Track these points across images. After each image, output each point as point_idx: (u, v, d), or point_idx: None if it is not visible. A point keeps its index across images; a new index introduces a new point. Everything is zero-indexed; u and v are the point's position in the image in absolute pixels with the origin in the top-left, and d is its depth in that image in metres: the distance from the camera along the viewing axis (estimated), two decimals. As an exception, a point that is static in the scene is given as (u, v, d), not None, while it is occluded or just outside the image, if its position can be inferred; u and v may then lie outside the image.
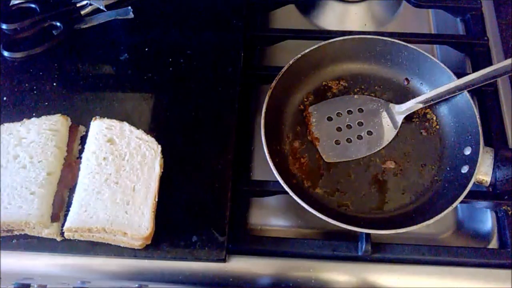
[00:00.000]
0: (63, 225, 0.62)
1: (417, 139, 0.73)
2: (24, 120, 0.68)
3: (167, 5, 0.83)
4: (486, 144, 0.67)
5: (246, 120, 0.75)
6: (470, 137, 0.68)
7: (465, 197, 0.62)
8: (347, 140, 0.72)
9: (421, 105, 0.72)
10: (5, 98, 0.73)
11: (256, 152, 0.74)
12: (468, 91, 0.69)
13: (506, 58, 0.78)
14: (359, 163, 0.71)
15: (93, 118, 0.69)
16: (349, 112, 0.75)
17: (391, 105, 0.74)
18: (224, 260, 0.63)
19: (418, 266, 0.64)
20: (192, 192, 0.66)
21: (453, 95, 0.70)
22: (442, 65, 0.72)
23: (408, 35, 0.81)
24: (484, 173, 0.65)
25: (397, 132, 0.73)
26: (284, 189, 0.63)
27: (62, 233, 0.62)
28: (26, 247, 0.63)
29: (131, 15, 0.79)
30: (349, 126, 0.73)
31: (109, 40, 0.79)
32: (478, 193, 0.68)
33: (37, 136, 0.66)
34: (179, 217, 0.65)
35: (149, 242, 0.62)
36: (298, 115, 0.75)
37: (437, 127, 0.73)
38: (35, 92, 0.74)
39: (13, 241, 0.63)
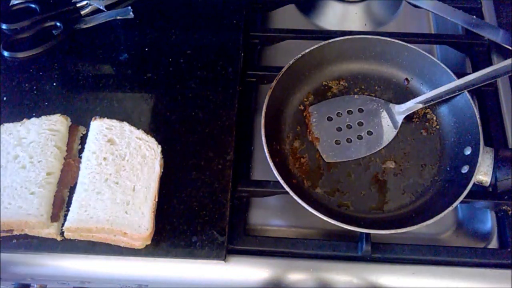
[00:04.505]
0: (63, 225, 0.62)
1: (417, 139, 0.73)
2: (24, 120, 0.68)
3: (167, 5, 0.83)
4: (486, 144, 0.67)
5: (246, 120, 0.75)
6: (470, 137, 0.68)
7: (465, 197, 0.62)
8: (347, 140, 0.73)
9: (421, 105, 0.72)
10: (5, 98, 0.73)
11: (256, 152, 0.74)
12: (468, 91, 0.69)
13: (506, 58, 0.78)
14: (359, 163, 0.71)
15: (93, 118, 0.69)
16: (349, 112, 0.75)
17: (391, 105, 0.74)
18: (224, 260, 0.63)
19: (418, 266, 0.64)
20: (192, 192, 0.66)
21: (453, 95, 0.70)
22: (442, 65, 0.72)
23: (408, 35, 0.81)
24: (484, 173, 0.65)
25: (397, 132, 0.73)
26: (284, 189, 0.63)
27: (62, 233, 0.62)
28: (26, 247, 0.63)
29: (131, 15, 0.79)
30: (349, 126, 0.73)
31: (109, 40, 0.79)
32: (478, 193, 0.68)
33: (37, 136, 0.66)
34: (179, 217, 0.65)
35: (149, 242, 0.62)
36: (298, 115, 0.75)
37: (437, 127, 0.73)
38: (35, 92, 0.74)
39: (13, 241, 0.63)
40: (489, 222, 0.69)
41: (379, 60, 0.77)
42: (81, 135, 0.70)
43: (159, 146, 0.66)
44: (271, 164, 0.64)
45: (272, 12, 0.91)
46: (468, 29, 0.82)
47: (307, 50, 0.73)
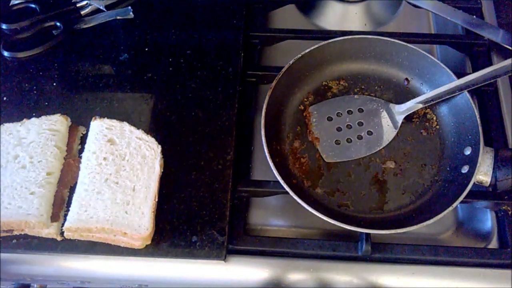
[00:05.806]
0: (63, 225, 0.62)
1: (417, 139, 0.73)
2: (24, 120, 0.68)
3: (167, 5, 0.83)
4: (486, 144, 0.67)
5: (246, 120, 0.75)
6: (470, 137, 0.68)
7: (465, 197, 0.62)
8: (347, 140, 0.73)
9: (421, 105, 0.72)
10: (5, 98, 0.73)
11: (256, 152, 0.74)
12: (468, 91, 0.69)
13: (506, 58, 0.78)
14: (359, 163, 0.71)
15: (93, 118, 0.69)
16: (349, 112, 0.75)
17: (391, 105, 0.74)
18: (224, 260, 0.63)
19: (418, 266, 0.64)
20: (192, 192, 0.66)
21: (453, 95, 0.70)
22: (442, 65, 0.72)
23: (408, 35, 0.81)
24: (484, 173, 0.65)
25: (397, 132, 0.73)
26: (284, 189, 0.63)
27: (62, 233, 0.62)
28: (26, 247, 0.63)
29: (131, 15, 0.79)
30: (349, 126, 0.73)
31: (109, 40, 0.79)
32: (478, 193, 0.68)
33: (37, 136, 0.66)
34: (179, 217, 0.65)
35: (149, 242, 0.62)
36: (298, 115, 0.75)
37: (437, 127, 0.73)
38: (35, 92, 0.74)
39: (13, 241, 0.63)
40: (489, 222, 0.69)
41: (379, 60, 0.77)
42: (81, 135, 0.70)
43: (159, 146, 0.66)
44: (271, 164, 0.64)
45: (272, 12, 0.91)
46: (468, 29, 0.82)
47: (307, 50, 0.73)
